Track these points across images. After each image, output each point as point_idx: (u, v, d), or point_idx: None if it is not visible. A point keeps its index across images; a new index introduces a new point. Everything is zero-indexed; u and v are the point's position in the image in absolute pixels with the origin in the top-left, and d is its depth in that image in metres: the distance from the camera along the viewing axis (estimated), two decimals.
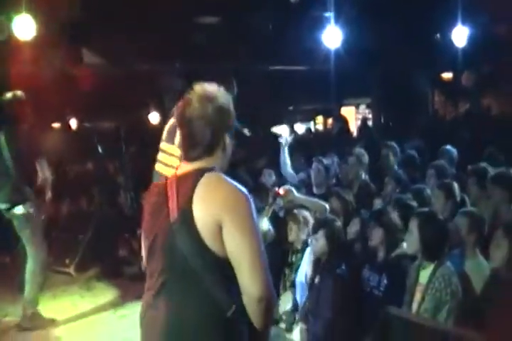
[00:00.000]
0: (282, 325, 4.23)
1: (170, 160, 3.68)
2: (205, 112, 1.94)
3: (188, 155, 1.98)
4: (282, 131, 10.38)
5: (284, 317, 4.24)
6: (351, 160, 5.69)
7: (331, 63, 8.64)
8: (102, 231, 6.68)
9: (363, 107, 12.21)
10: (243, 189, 1.90)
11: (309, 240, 4.18)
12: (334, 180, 5.98)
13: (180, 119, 1.99)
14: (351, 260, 3.91)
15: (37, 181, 4.76)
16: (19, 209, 4.66)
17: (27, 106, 4.80)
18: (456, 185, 4.45)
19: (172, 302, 1.89)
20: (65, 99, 8.10)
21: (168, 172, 3.71)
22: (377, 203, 4.74)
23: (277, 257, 4.31)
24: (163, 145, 3.78)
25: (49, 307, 5.20)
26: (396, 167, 5.79)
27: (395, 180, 5.19)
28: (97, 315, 5.20)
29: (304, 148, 8.07)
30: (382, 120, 10.87)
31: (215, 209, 1.83)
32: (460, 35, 8.25)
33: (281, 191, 4.25)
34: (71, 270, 6.31)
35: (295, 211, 4.42)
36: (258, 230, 1.89)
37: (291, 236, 4.40)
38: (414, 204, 4.19)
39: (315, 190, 5.43)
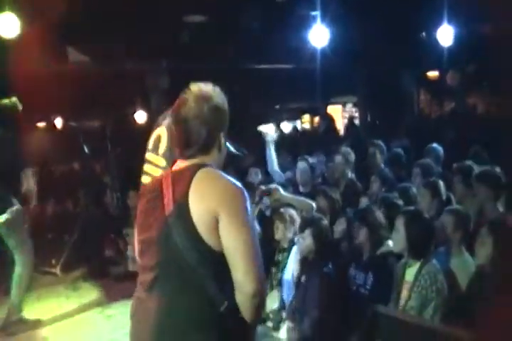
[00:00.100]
0: (269, 324, 4.23)
1: (157, 172, 3.66)
2: (201, 111, 1.95)
3: (183, 154, 1.99)
4: (269, 129, 10.38)
5: (271, 315, 4.24)
6: (337, 159, 5.69)
7: (317, 62, 8.65)
8: (88, 231, 6.64)
9: (349, 106, 12.25)
10: (239, 184, 1.91)
11: (296, 239, 4.19)
12: (320, 179, 5.99)
13: (176, 118, 2.00)
14: (338, 259, 3.92)
15: (21, 189, 4.75)
16: (3, 218, 4.65)
17: (20, 115, 4.78)
18: (441, 184, 4.48)
19: (164, 297, 1.89)
20: (50, 98, 8.02)
21: None
22: (364, 202, 4.76)
23: (264, 256, 4.30)
24: (148, 155, 3.75)
25: (35, 308, 5.18)
26: (382, 165, 5.82)
27: (381, 178, 5.21)
28: (83, 315, 5.17)
29: (291, 146, 8.08)
30: (368, 118, 10.91)
31: (212, 204, 1.83)
32: (445, 34, 8.30)
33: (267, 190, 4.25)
34: (57, 270, 6.28)
35: (281, 210, 4.42)
36: (253, 225, 1.90)
37: (278, 235, 4.40)
38: (400, 202, 4.21)
39: (301, 189, 5.43)
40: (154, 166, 3.68)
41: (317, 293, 3.72)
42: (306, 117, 12.64)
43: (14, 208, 4.65)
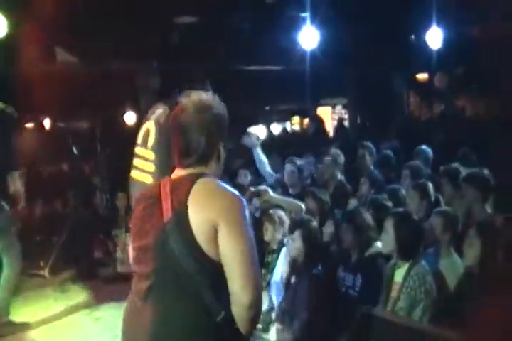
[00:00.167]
0: (259, 325, 4.22)
1: (146, 166, 3.65)
2: (201, 121, 1.93)
3: (181, 163, 1.97)
4: (258, 131, 10.40)
5: (260, 317, 4.22)
6: (327, 161, 5.71)
7: (307, 63, 8.67)
8: (77, 232, 6.60)
9: (339, 107, 12.27)
10: (238, 194, 1.91)
11: (285, 240, 4.18)
12: (310, 180, 6.00)
13: (175, 127, 1.98)
14: (327, 260, 3.92)
15: (9, 191, 4.72)
16: None
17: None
18: (430, 185, 4.51)
19: (160, 305, 1.87)
20: (39, 99, 7.97)
21: (145, 178, 3.69)
22: (353, 203, 4.77)
23: None
24: (138, 150, 3.75)
25: (22, 310, 5.13)
26: (372, 167, 5.84)
27: (371, 180, 5.23)
28: (72, 317, 5.14)
29: (281, 148, 8.09)
30: (358, 120, 10.95)
31: (211, 214, 1.82)
32: (434, 37, 8.35)
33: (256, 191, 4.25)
34: (45, 272, 6.22)
35: (271, 211, 4.42)
36: (252, 236, 1.89)
37: (267, 237, 4.39)
38: (389, 204, 4.23)
39: (290, 190, 5.44)
40: (143, 160, 3.67)
41: (306, 294, 3.72)
42: (296, 119, 12.66)
43: (3, 211, 4.62)
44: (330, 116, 12.29)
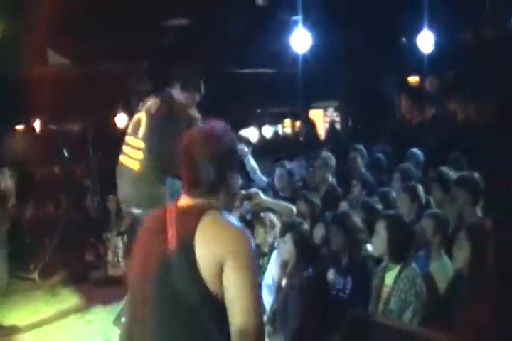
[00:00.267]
0: None
1: (134, 154, 3.66)
2: (211, 152, 1.91)
3: (190, 192, 1.95)
4: (250, 133, 10.39)
5: None
6: (318, 164, 5.72)
7: (298, 66, 8.69)
8: (68, 235, 6.57)
9: (331, 110, 12.29)
10: (245, 230, 1.90)
11: (276, 243, 4.19)
12: (301, 183, 6.01)
13: (185, 156, 1.95)
14: (318, 263, 3.93)
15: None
16: None
17: None
18: (420, 188, 4.53)
19: (159, 337, 1.86)
20: (30, 101, 7.94)
21: (132, 164, 3.69)
22: (344, 206, 4.78)
23: None
24: (128, 138, 3.76)
25: (12, 314, 5.11)
26: (363, 170, 5.86)
27: (362, 183, 5.25)
28: (63, 321, 5.11)
29: (272, 151, 8.10)
30: (349, 123, 10.98)
31: (218, 249, 1.81)
32: (425, 40, 8.39)
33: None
34: (35, 275, 6.19)
35: (262, 214, 4.42)
36: (258, 273, 1.94)
37: (258, 240, 4.39)
38: (380, 207, 4.25)
39: (281, 193, 5.45)
40: (133, 148, 3.68)
41: (297, 297, 3.72)
42: (288, 122, 12.66)
43: None
44: (322, 118, 12.30)
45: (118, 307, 4.38)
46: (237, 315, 1.79)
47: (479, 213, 4.27)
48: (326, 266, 3.90)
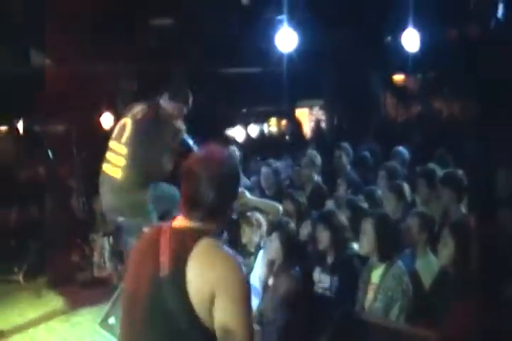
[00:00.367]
0: None
1: (116, 160, 3.63)
2: (214, 175, 1.90)
3: (187, 214, 1.94)
4: (236, 133, 10.40)
5: None
6: (304, 162, 5.72)
7: (284, 65, 8.68)
8: (53, 237, 6.51)
9: (316, 109, 12.30)
10: (237, 258, 1.88)
11: (263, 242, 4.18)
12: (288, 182, 6.01)
13: (187, 178, 1.94)
14: (304, 262, 3.93)
15: None
16: None
17: None
18: (406, 187, 4.55)
19: None
20: (12, 101, 7.86)
21: (114, 172, 3.67)
22: (329, 204, 4.79)
23: None
24: (111, 143, 3.73)
25: None
26: (348, 168, 5.87)
27: (348, 181, 5.25)
28: (48, 324, 5.04)
29: (259, 150, 8.09)
30: (335, 122, 11.00)
31: (210, 283, 1.79)
32: (410, 38, 8.42)
33: None
34: (20, 278, 6.12)
35: (248, 214, 4.41)
36: (250, 304, 1.86)
37: (244, 239, 4.38)
38: (366, 205, 4.26)
39: (267, 192, 5.45)
40: (116, 154, 3.66)
41: (284, 296, 3.72)
42: (273, 120, 12.67)
43: None
44: (307, 117, 12.32)
45: (104, 308, 4.36)
46: None
47: (464, 210, 4.30)
48: (312, 265, 3.91)
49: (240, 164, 2.07)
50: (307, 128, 11.27)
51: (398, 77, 10.05)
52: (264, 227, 4.33)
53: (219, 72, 9.99)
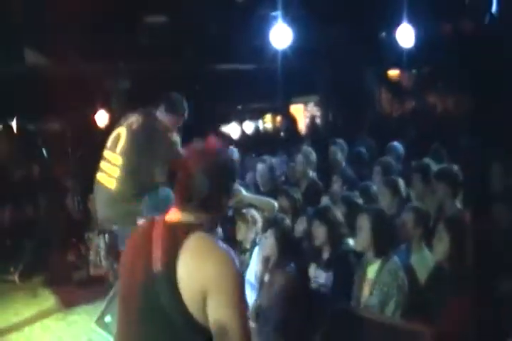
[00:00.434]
0: None
1: (111, 170, 3.63)
2: (209, 168, 1.91)
3: (181, 205, 1.93)
4: (231, 129, 10.39)
5: None
6: (299, 158, 5.72)
7: (278, 61, 8.67)
8: (49, 236, 6.49)
9: (311, 105, 12.28)
10: (230, 252, 1.85)
11: (258, 239, 4.18)
12: (283, 178, 6.01)
13: (182, 170, 1.95)
14: (300, 258, 3.92)
15: None
16: None
17: None
18: (401, 182, 4.55)
19: None
20: (6, 100, 7.83)
21: (109, 182, 3.67)
22: (325, 201, 4.79)
23: None
24: (106, 153, 3.72)
25: None
26: (344, 164, 5.87)
27: (343, 177, 5.25)
28: (44, 322, 5.03)
29: (254, 147, 8.08)
30: (330, 117, 10.99)
31: (201, 281, 1.77)
32: (405, 34, 8.40)
33: None
34: (15, 278, 6.10)
35: (243, 210, 4.40)
36: (244, 297, 1.83)
37: (240, 236, 4.38)
38: (360, 201, 4.25)
39: (262, 188, 5.45)
40: (110, 164, 3.65)
41: (280, 292, 3.71)
42: (268, 117, 12.66)
43: None
44: (302, 113, 12.30)
45: (100, 307, 4.35)
46: None
47: (459, 205, 4.31)
48: (307, 261, 3.90)
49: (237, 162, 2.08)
50: (302, 125, 11.25)
51: (393, 73, 10.04)
52: (260, 224, 4.33)
53: (213, 69, 9.97)
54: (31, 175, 7.99)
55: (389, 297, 3.29)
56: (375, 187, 4.66)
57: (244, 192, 4.29)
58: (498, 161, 4.53)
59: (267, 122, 12.54)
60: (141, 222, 3.08)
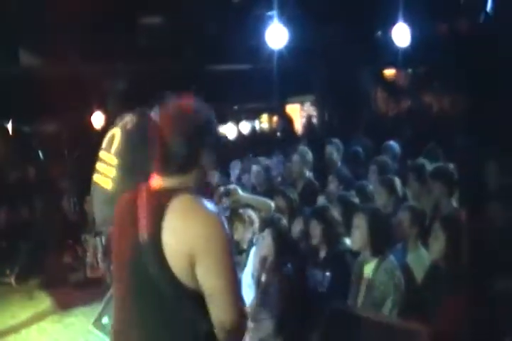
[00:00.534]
0: None
1: (107, 171, 3.62)
2: (183, 129, 1.83)
3: (161, 171, 1.87)
4: (228, 130, 10.38)
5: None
6: (295, 158, 5.72)
7: (274, 61, 8.67)
8: (45, 238, 6.48)
9: (307, 105, 12.27)
10: (217, 213, 1.78)
11: (255, 239, 4.18)
12: (280, 179, 6.01)
13: (155, 133, 1.89)
14: (296, 258, 3.93)
15: None
16: None
17: None
18: (397, 181, 4.55)
19: (143, 331, 1.81)
20: (2, 103, 7.80)
21: (106, 183, 3.66)
22: (321, 200, 4.79)
23: None
24: (101, 154, 3.72)
25: None
26: (339, 163, 5.86)
27: (339, 177, 5.25)
28: (41, 325, 5.03)
29: (251, 147, 8.08)
30: (326, 117, 10.99)
31: (188, 240, 1.72)
32: (400, 33, 8.41)
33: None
34: (12, 280, 6.08)
35: (240, 210, 4.40)
36: (233, 258, 1.78)
37: (237, 236, 4.38)
38: (357, 200, 4.26)
39: (258, 189, 5.45)
40: (106, 165, 3.65)
41: (277, 292, 3.72)
42: (265, 117, 12.65)
43: None
44: (299, 113, 12.29)
45: (98, 309, 4.33)
46: (216, 312, 1.74)
47: (455, 204, 4.31)
48: (304, 261, 3.90)
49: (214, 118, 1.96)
50: (298, 125, 11.25)
51: (389, 72, 10.04)
52: (257, 224, 4.33)
53: (210, 69, 9.97)
54: (27, 176, 7.98)
55: (386, 296, 3.30)
56: (371, 187, 4.66)
57: (241, 192, 4.29)
58: (493, 160, 4.54)
59: (264, 122, 12.53)
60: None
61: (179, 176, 1.85)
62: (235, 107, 12.27)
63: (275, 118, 11.61)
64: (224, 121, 10.82)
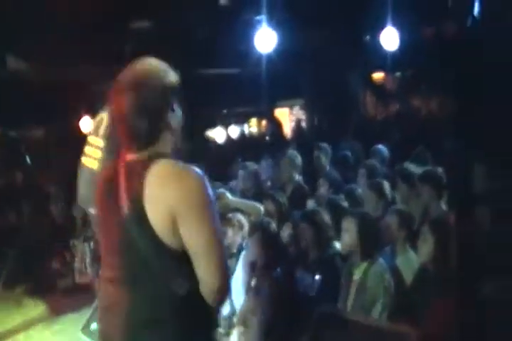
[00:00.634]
0: (221, 330, 4.18)
1: (94, 153, 3.62)
2: (137, 100, 1.76)
3: (130, 147, 1.82)
4: (217, 134, 10.37)
5: (222, 322, 4.19)
6: (284, 162, 5.72)
7: (263, 65, 8.68)
8: (33, 243, 6.41)
9: (297, 109, 12.29)
10: (198, 172, 1.74)
11: (244, 243, 4.17)
12: (269, 183, 6.01)
13: (114, 111, 1.85)
14: (286, 262, 3.92)
15: None
16: None
17: None
18: (386, 184, 4.57)
19: (132, 294, 1.80)
20: None
21: (92, 163, 3.66)
22: (311, 204, 4.79)
23: None
24: (89, 138, 3.72)
25: None
26: (328, 167, 5.87)
27: (329, 181, 5.26)
28: (28, 332, 4.95)
29: (239, 150, 8.07)
30: (315, 121, 11.01)
31: (168, 201, 1.70)
32: (389, 37, 8.45)
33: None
34: None
35: (230, 215, 4.40)
36: (216, 218, 1.76)
37: (227, 240, 4.36)
38: (346, 204, 4.27)
39: (246, 194, 5.44)
40: (93, 147, 3.65)
41: (267, 297, 3.71)
42: (254, 121, 12.65)
43: None
44: (288, 117, 12.30)
45: (86, 315, 4.30)
46: (202, 270, 1.74)
47: (444, 207, 4.33)
48: (294, 266, 3.90)
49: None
50: (288, 128, 11.26)
51: (377, 76, 10.08)
52: (246, 228, 4.32)
53: (198, 73, 9.96)
54: (14, 181, 7.91)
55: (375, 299, 3.31)
56: (360, 190, 4.68)
57: (230, 196, 4.28)
58: (481, 163, 4.56)
59: (253, 126, 12.53)
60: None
61: (151, 147, 1.81)
62: (224, 111, 12.26)
63: (264, 122, 11.61)
64: (213, 125, 10.80)
